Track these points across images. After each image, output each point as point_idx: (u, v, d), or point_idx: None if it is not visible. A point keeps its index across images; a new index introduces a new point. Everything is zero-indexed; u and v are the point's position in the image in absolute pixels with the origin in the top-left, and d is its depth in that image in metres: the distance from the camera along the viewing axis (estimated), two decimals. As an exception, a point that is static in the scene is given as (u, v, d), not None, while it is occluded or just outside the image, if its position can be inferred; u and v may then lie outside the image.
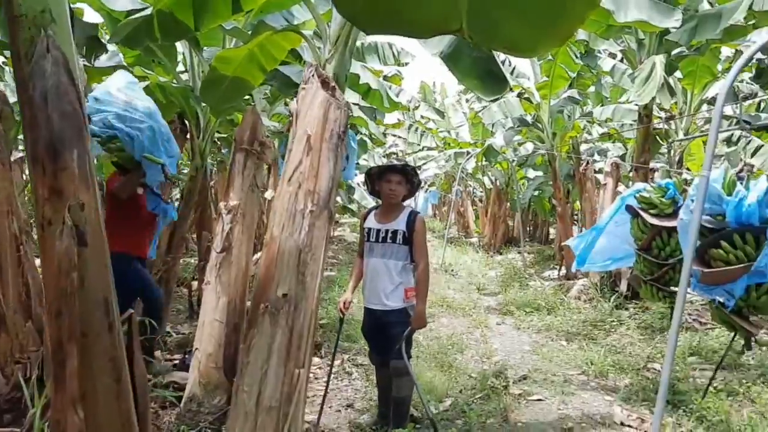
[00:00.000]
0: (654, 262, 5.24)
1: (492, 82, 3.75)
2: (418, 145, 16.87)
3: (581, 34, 9.35)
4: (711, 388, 5.15)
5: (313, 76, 2.91)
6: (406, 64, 9.94)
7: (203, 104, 5.94)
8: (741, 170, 4.42)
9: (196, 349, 3.81)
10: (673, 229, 5.11)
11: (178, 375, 4.37)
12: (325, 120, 2.79)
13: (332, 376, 4.76)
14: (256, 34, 4.69)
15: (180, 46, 6.57)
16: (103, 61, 6.50)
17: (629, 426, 4.61)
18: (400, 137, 16.62)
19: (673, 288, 5.29)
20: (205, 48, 6.34)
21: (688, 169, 9.88)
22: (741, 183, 4.29)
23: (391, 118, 14.25)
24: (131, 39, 4.26)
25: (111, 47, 6.43)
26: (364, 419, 4.38)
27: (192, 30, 4.32)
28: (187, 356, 4.88)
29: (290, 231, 2.69)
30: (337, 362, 5.28)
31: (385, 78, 11.15)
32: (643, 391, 5.29)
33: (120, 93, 4.33)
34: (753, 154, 9.37)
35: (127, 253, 4.64)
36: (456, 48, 3.53)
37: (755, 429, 4.36)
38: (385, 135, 13.84)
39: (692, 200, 4.23)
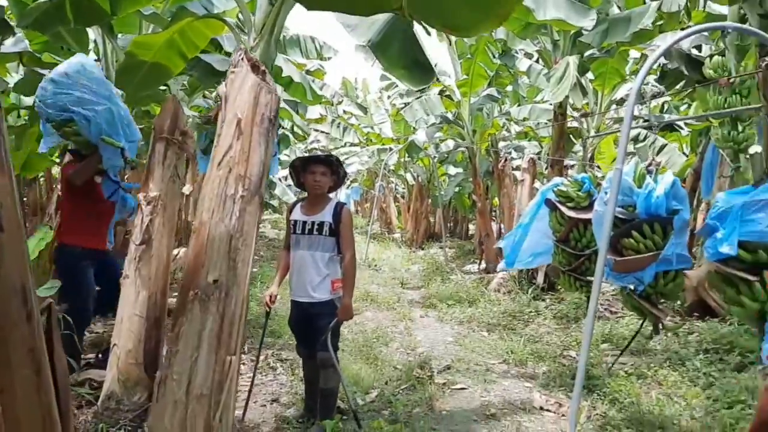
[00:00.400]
0: (571, 253, 5.45)
1: (419, 71, 3.80)
2: (341, 140, 16.86)
3: (500, 33, 9.63)
4: (623, 372, 5.44)
5: (242, 59, 2.85)
6: (329, 58, 9.89)
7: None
8: (650, 164, 4.66)
9: (114, 345, 3.65)
10: (589, 221, 5.34)
11: (95, 372, 4.16)
12: (256, 104, 2.73)
13: (257, 371, 4.69)
14: (177, 20, 4.53)
15: (92, 33, 6.27)
16: (7, 46, 6.12)
17: (548, 410, 4.79)
18: (322, 132, 16.53)
19: (589, 277, 5.52)
20: (119, 35, 6.07)
21: (598, 166, 10.35)
22: (650, 176, 4.54)
23: (313, 112, 14.13)
24: (40, 23, 4.04)
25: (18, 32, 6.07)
26: (290, 413, 4.34)
27: (108, 14, 4.13)
28: (101, 355, 4.66)
29: (220, 216, 2.63)
30: (261, 357, 5.19)
31: (308, 72, 11.06)
32: (560, 377, 5.51)
33: (78, 75, 4.10)
34: (658, 152, 9.93)
35: (79, 246, 4.46)
36: (384, 36, 3.55)
37: (663, 409, 4.64)
38: (306, 130, 13.73)
39: (606, 193, 4.44)
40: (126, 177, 4.74)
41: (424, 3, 1.45)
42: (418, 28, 3.85)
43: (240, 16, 8.12)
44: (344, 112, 18.64)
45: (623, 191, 4.60)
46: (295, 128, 12.44)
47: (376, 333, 6.82)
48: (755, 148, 5.58)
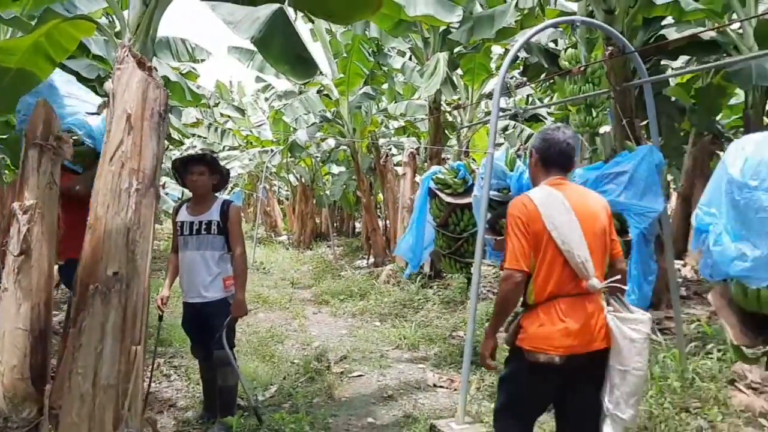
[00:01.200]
0: (451, 236, 5.79)
1: (302, 66, 3.89)
2: (219, 144, 16.49)
3: (373, 32, 9.89)
4: (506, 346, 5.80)
5: (127, 55, 2.81)
6: (202, 60, 9.68)
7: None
8: (519, 149, 5.05)
9: (-3, 363, 3.43)
10: (466, 205, 5.69)
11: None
12: (145, 99, 2.71)
13: (152, 379, 4.57)
14: (43, 22, 4.31)
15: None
16: None
17: (441, 386, 5.05)
18: (199, 137, 16.08)
19: (468, 259, 5.88)
20: (-28, 40, 5.65)
21: (474, 159, 10.91)
22: (520, 160, 4.91)
23: (188, 116, 13.75)
24: None
25: None
26: (189, 415, 4.28)
27: (-38, 21, 3.86)
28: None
29: (116, 210, 2.60)
30: (153, 365, 5.06)
31: (181, 74, 10.76)
32: (450, 356, 5.80)
33: (64, 85, 4.10)
34: (526, 141, 10.62)
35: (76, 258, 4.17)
36: (267, 33, 3.60)
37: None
38: (185, 132, 13.32)
39: (482, 178, 4.76)
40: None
41: (306, -7, 1.56)
42: (298, 24, 3.95)
43: (110, 16, 7.79)
44: (221, 115, 18.24)
45: (497, 175, 4.95)
46: (172, 132, 12.06)
47: (270, 332, 6.82)
48: (605, 128, 6.16)
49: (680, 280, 8.58)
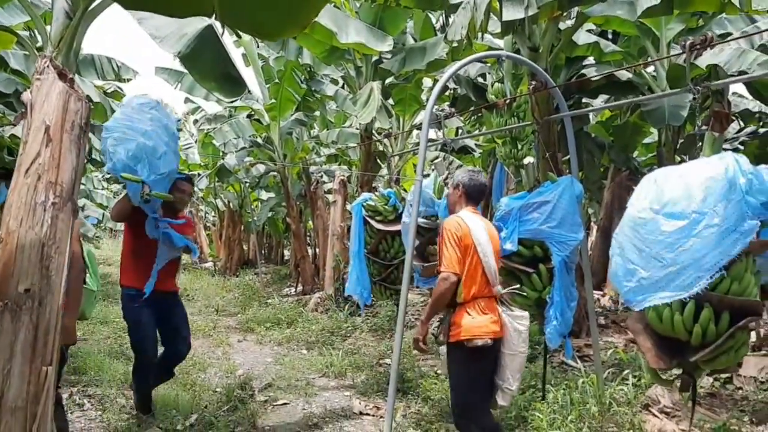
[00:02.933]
0: (381, 263, 5.79)
1: (230, 84, 3.85)
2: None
3: (306, 58, 9.93)
4: (433, 373, 5.83)
5: (48, 66, 2.69)
6: (128, 80, 9.43)
7: None
8: (447, 177, 5.14)
9: None
10: (396, 233, 5.72)
11: None
12: (65, 111, 2.60)
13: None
14: (-44, 32, 4.10)
15: None
16: None
17: (367, 414, 5.00)
18: (124, 159, 15.55)
19: (398, 286, 5.89)
20: None
21: (404, 188, 11.04)
22: (447, 188, 4.99)
23: (113, 137, 13.31)
24: None
25: None
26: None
27: None
28: None
29: (30, 224, 2.45)
30: (65, 395, 4.79)
31: (106, 94, 10.44)
32: (377, 383, 5.77)
33: (122, 116, 4.00)
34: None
35: (132, 286, 4.28)
36: (194, 49, 3.55)
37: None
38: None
39: (411, 205, 4.80)
40: (159, 213, 4.23)
41: (235, 9, 1.54)
42: (227, 42, 3.91)
43: (32, 31, 7.52)
44: (148, 137, 17.72)
45: (425, 202, 5.02)
46: (94, 153, 11.63)
47: (192, 360, 6.58)
48: (529, 160, 6.38)
49: (599, 309, 8.91)
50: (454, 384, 3.45)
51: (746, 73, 5.99)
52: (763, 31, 5.79)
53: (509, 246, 4.34)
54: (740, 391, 5.32)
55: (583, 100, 9.02)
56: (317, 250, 13.63)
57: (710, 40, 2.96)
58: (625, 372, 5.17)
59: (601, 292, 9.91)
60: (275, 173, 14.21)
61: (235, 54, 12.08)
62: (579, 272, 5.17)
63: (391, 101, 10.01)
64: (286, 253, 19.80)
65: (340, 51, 8.21)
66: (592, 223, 15.41)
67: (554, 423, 4.35)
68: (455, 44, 5.65)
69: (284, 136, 12.01)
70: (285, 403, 5.27)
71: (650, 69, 8.04)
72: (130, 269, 4.35)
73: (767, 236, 2.66)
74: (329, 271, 10.45)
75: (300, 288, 12.46)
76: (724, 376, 5.57)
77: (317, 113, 12.94)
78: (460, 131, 13.58)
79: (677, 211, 2.62)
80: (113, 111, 7.08)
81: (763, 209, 2.52)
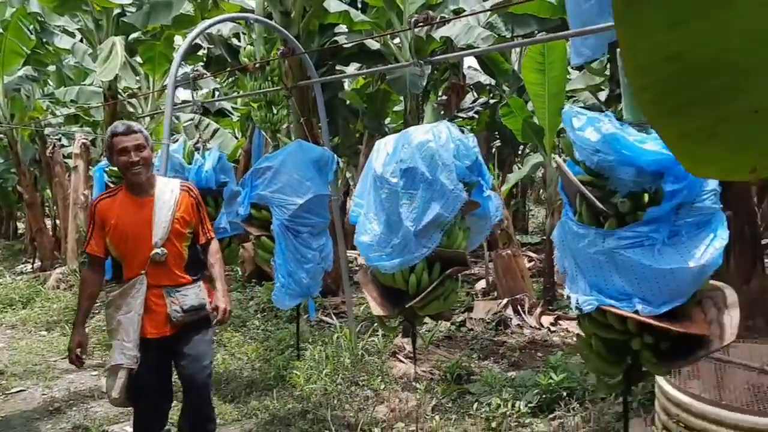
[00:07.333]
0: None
1: None
2: None
3: (34, 7, 8.78)
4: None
5: None
6: None
7: None
8: (197, 142, 4.97)
9: None
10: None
11: None
12: None
13: None
14: None
15: None
16: None
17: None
18: None
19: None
20: None
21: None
22: (198, 153, 4.83)
23: None
24: None
25: None
26: None
27: None
28: None
29: None
30: None
31: None
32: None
33: None
34: (212, 136, 10.52)
35: None
36: None
37: (228, 366, 5.07)
38: None
39: (157, 170, 4.56)
40: None
41: None
42: None
43: None
44: None
45: (174, 167, 4.79)
46: None
47: None
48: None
49: (356, 267, 9.44)
50: None
51: (473, 47, 6.72)
52: (487, 11, 6.50)
53: (241, 210, 4.47)
54: (471, 332, 6.07)
55: (337, 67, 9.32)
56: (57, 221, 12.30)
57: (431, 18, 3.25)
58: (376, 325, 5.59)
59: (357, 252, 10.48)
60: (1, 136, 12.41)
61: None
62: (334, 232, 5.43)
63: (138, 59, 9.31)
64: (21, 225, 17.53)
65: (75, 1, 7.39)
66: (351, 187, 16.13)
67: (311, 378, 4.56)
68: (200, 1, 5.42)
69: (10, 93, 10.50)
70: (21, 390, 4.80)
71: (397, 40, 8.56)
72: None
73: (477, 197, 3.03)
74: (72, 244, 9.53)
75: (38, 264, 11.18)
76: (459, 320, 6.31)
77: (52, 68, 11.54)
78: (216, 93, 13.16)
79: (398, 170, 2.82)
80: None
81: (468, 172, 2.86)
